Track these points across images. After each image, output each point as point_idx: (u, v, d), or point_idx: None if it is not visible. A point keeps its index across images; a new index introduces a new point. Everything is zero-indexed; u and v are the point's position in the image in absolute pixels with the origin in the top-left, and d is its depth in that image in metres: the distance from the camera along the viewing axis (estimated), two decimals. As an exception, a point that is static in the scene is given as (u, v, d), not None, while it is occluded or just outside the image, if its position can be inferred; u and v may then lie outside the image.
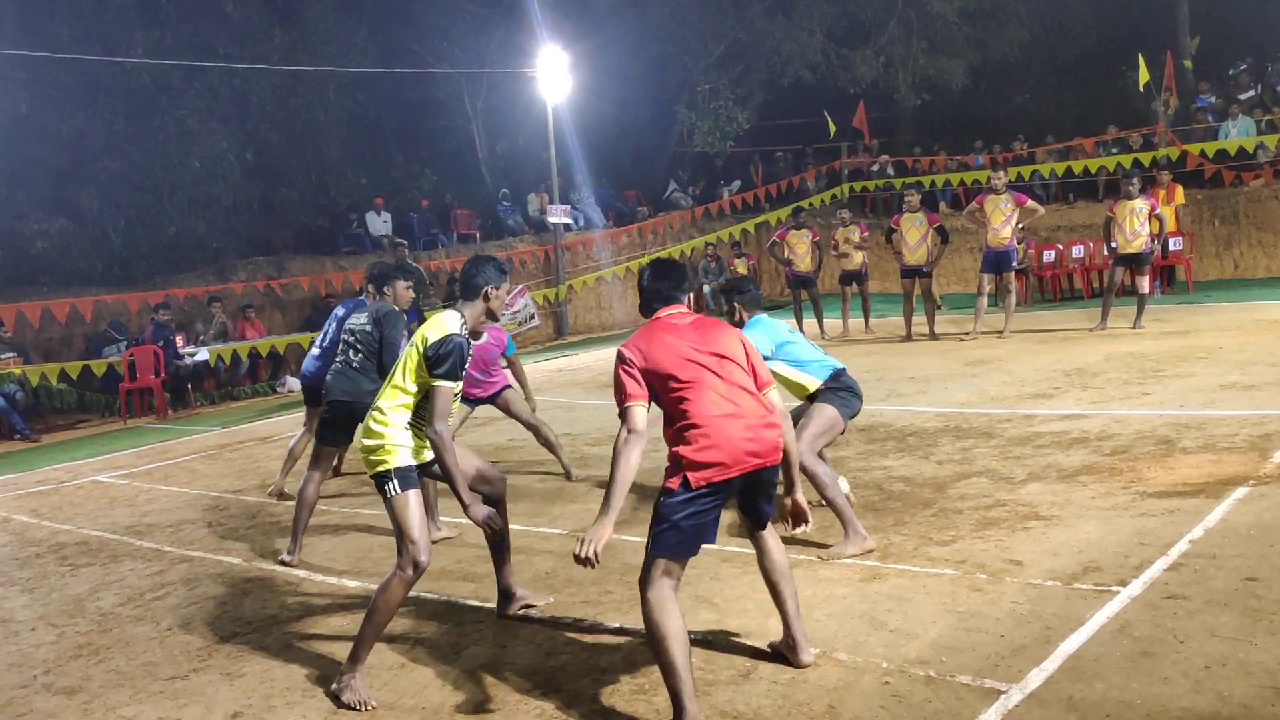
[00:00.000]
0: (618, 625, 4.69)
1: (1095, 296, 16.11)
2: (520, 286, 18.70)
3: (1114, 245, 12.76)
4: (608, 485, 3.79)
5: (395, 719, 3.98)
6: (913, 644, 4.17)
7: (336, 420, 6.42)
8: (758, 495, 4.10)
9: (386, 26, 21.07)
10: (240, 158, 17.98)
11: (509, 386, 7.89)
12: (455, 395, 4.49)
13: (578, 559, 3.61)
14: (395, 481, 4.37)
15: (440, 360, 4.30)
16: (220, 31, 18.11)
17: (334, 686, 4.24)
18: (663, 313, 4.11)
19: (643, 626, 3.74)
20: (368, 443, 4.45)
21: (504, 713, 3.94)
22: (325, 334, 7.48)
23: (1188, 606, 4.26)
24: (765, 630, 4.45)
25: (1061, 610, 4.36)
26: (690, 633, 4.46)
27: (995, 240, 13.01)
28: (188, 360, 14.55)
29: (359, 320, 6.56)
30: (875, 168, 23.00)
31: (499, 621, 4.89)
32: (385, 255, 17.68)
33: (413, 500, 4.37)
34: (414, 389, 4.41)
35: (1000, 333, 13.00)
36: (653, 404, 4.02)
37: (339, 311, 7.42)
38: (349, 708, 4.10)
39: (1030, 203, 13.20)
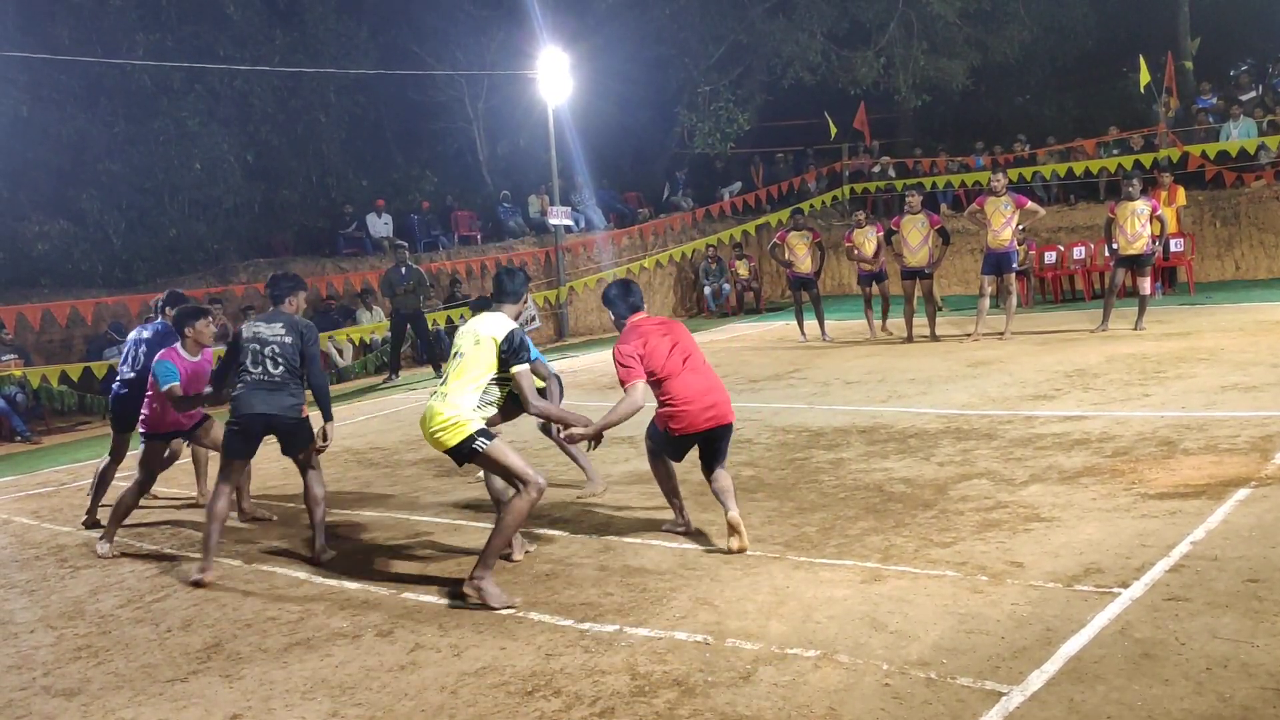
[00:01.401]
0: (617, 627, 4.68)
1: (1096, 298, 16.11)
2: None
3: (1115, 247, 12.75)
4: (611, 412, 5.56)
5: (395, 721, 3.97)
6: (913, 646, 4.16)
7: (253, 434, 6.25)
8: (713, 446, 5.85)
9: (387, 28, 21.08)
10: (241, 160, 17.99)
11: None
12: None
13: (574, 439, 5.53)
14: (481, 439, 5.22)
15: (515, 352, 5.29)
16: (221, 33, 18.12)
17: (471, 591, 5.14)
18: (636, 318, 5.89)
19: (641, 628, 4.55)
20: (441, 425, 5.22)
21: (504, 714, 3.93)
22: (133, 358, 7.48)
23: (1189, 608, 4.25)
24: (766, 632, 4.45)
25: (1062, 612, 4.35)
26: (690, 634, 4.48)
27: (996, 242, 13.00)
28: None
29: (272, 331, 6.22)
30: (876, 169, 22.99)
31: (499, 624, 4.89)
32: (386, 257, 17.69)
33: (501, 445, 5.27)
34: (481, 380, 5.29)
35: (1001, 334, 12.99)
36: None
37: (143, 334, 7.54)
38: (497, 608, 5.00)
39: (1031, 204, 13.20)
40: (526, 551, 5.99)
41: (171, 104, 17.11)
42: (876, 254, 14.68)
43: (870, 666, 4.01)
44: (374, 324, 16.84)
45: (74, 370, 13.75)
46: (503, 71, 20.29)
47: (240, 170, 17.93)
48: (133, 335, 7.79)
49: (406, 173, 21.23)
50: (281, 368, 6.17)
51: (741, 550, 5.55)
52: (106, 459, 7.86)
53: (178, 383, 6.69)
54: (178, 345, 6.93)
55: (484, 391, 5.31)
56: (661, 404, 5.70)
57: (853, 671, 3.99)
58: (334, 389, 15.02)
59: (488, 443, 5.23)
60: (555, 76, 18.86)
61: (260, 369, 6.17)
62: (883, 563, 5.19)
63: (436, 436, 5.26)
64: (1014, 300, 13.43)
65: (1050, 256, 17.92)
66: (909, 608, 4.57)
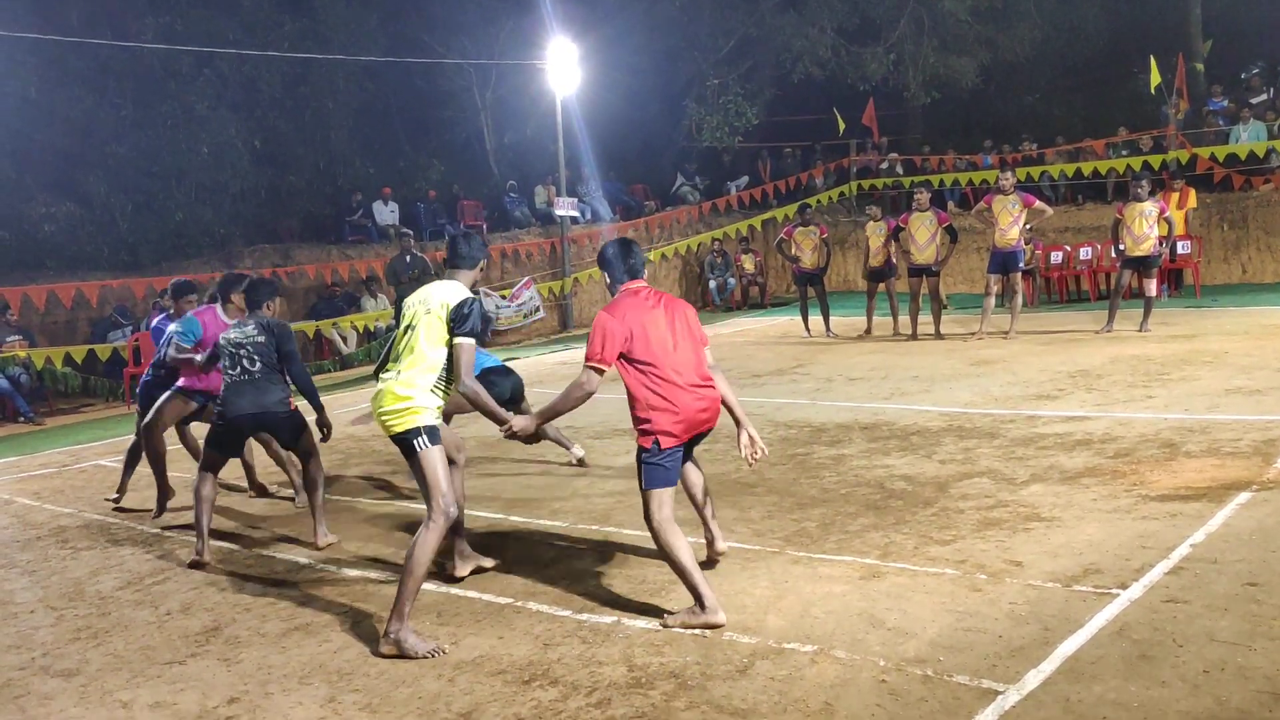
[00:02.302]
0: (615, 619, 4.69)
1: (1102, 298, 16.06)
2: (526, 279, 18.71)
3: (1122, 248, 12.71)
4: (559, 398, 4.80)
5: (391, 709, 3.98)
6: (911, 643, 4.17)
7: (241, 432, 6.39)
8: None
9: (397, 16, 21.06)
10: (248, 145, 17.99)
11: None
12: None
13: (510, 435, 4.86)
14: (425, 437, 4.71)
15: (463, 320, 4.76)
16: (231, 18, 18.11)
17: (388, 648, 4.48)
18: (633, 285, 4.91)
19: (639, 621, 4.53)
20: (393, 407, 4.74)
21: (500, 703, 3.94)
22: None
23: (1188, 610, 4.25)
24: (763, 626, 4.45)
25: (1061, 612, 4.35)
26: (687, 628, 4.48)
27: (1003, 241, 12.98)
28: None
29: (244, 334, 6.26)
30: (884, 165, 22.95)
31: (498, 613, 4.89)
32: (391, 245, 17.69)
33: (438, 455, 4.72)
34: (437, 354, 4.79)
35: (1006, 333, 12.97)
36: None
37: (173, 326, 7.31)
38: (423, 657, 4.41)
39: (1038, 203, 13.16)
40: (484, 569, 5.55)
41: (180, 88, 17.12)
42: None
43: (867, 662, 4.02)
44: (378, 312, 16.86)
45: (78, 352, 13.77)
46: (511, 61, 20.27)
47: (247, 155, 17.93)
48: (160, 326, 7.87)
49: (413, 161, 21.23)
50: (260, 363, 6.25)
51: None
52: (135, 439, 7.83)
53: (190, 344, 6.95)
54: (218, 307, 7.16)
55: (439, 373, 4.78)
56: (644, 406, 4.65)
57: (849, 667, 3.99)
58: (338, 376, 15.07)
59: (427, 446, 4.69)
60: (564, 67, 18.84)
61: (239, 369, 6.25)
62: (882, 559, 5.19)
63: (385, 420, 4.77)
64: (1019, 299, 13.41)
65: (1057, 256, 17.88)
66: (907, 605, 4.57)
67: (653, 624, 4.58)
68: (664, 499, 4.64)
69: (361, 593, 5.38)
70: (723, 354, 14.04)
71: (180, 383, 7.21)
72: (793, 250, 15.17)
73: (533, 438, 5.23)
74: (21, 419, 12.77)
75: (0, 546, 6.88)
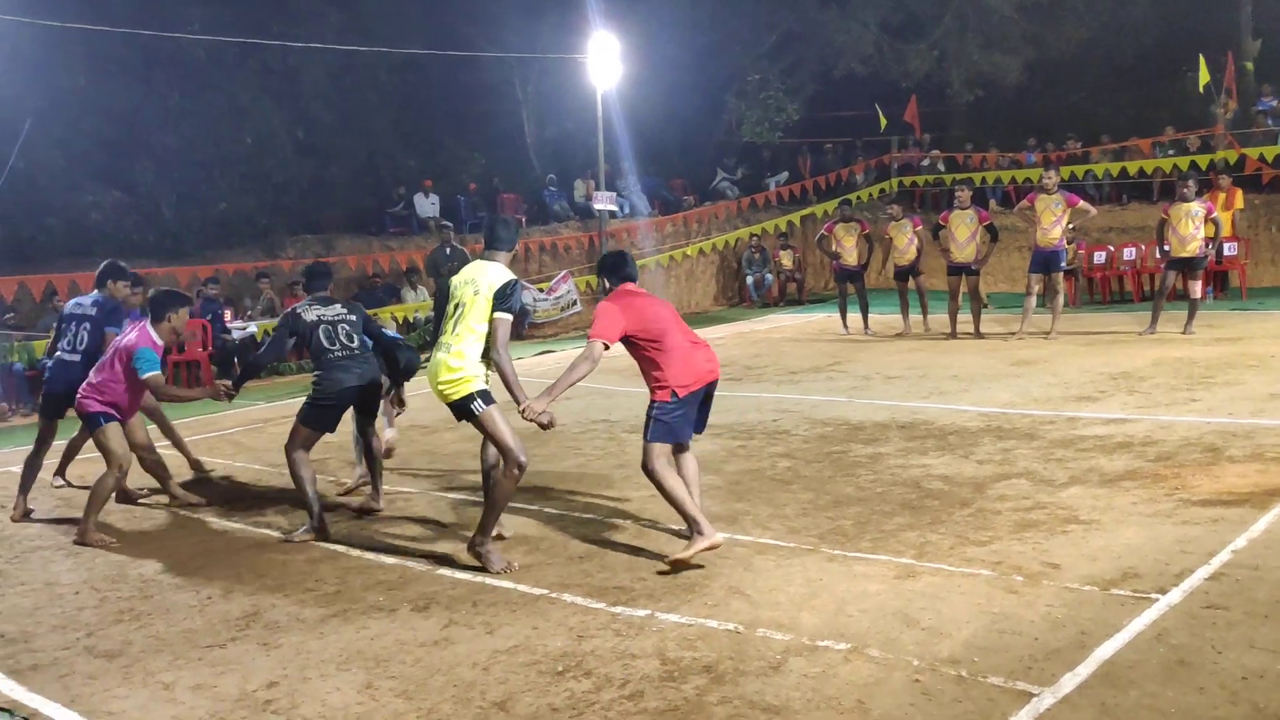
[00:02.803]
0: (648, 612, 4.71)
1: (1146, 300, 15.87)
2: (564, 272, 18.76)
3: (1167, 248, 12.55)
4: (567, 373, 5.34)
5: (427, 696, 4.02)
6: (945, 643, 4.15)
7: (344, 407, 6.57)
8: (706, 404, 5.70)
9: (440, 9, 21.15)
10: (292, 136, 18.15)
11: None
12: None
13: (527, 417, 5.24)
14: (479, 400, 5.35)
15: (506, 298, 5.37)
16: (275, 10, 18.27)
17: (469, 557, 5.40)
18: (629, 286, 5.68)
19: (673, 615, 4.64)
20: (448, 377, 5.33)
21: (535, 693, 3.97)
22: (74, 336, 7.31)
23: (1227, 617, 4.20)
24: (797, 624, 4.45)
25: (1098, 615, 4.31)
26: (721, 622, 4.49)
27: (1045, 240, 12.84)
28: (235, 335, 14.74)
29: (334, 312, 6.56)
30: (925, 163, 22.78)
31: (532, 604, 4.93)
32: (432, 237, 17.80)
33: (496, 412, 5.38)
34: (482, 329, 5.36)
35: (1047, 333, 12.85)
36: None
37: (87, 310, 7.37)
38: (499, 571, 5.30)
39: (1082, 203, 13.02)
40: (502, 538, 5.91)
41: (225, 79, 17.30)
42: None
43: (901, 662, 4.01)
44: (418, 303, 16.97)
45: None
46: (553, 55, 20.30)
47: (291, 146, 18.10)
48: (71, 310, 7.49)
49: (454, 154, 21.33)
50: (356, 341, 6.56)
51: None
52: (33, 448, 7.59)
53: (159, 372, 6.65)
54: (149, 328, 6.73)
55: (484, 346, 5.41)
56: (662, 368, 5.37)
57: (883, 666, 3.99)
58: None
59: (485, 406, 5.35)
60: (605, 61, 18.83)
61: (338, 345, 6.48)
62: (917, 559, 5.17)
63: (443, 390, 5.37)
64: (1061, 300, 13.28)
65: (1100, 256, 17.68)
66: (942, 605, 4.55)
67: (686, 619, 4.60)
68: (661, 451, 5.40)
69: (399, 580, 5.43)
70: (759, 350, 14.02)
71: (100, 412, 6.72)
72: (833, 246, 15.11)
73: (549, 423, 5.39)
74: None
75: (46, 528, 7.01)
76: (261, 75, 17.89)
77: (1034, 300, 13.33)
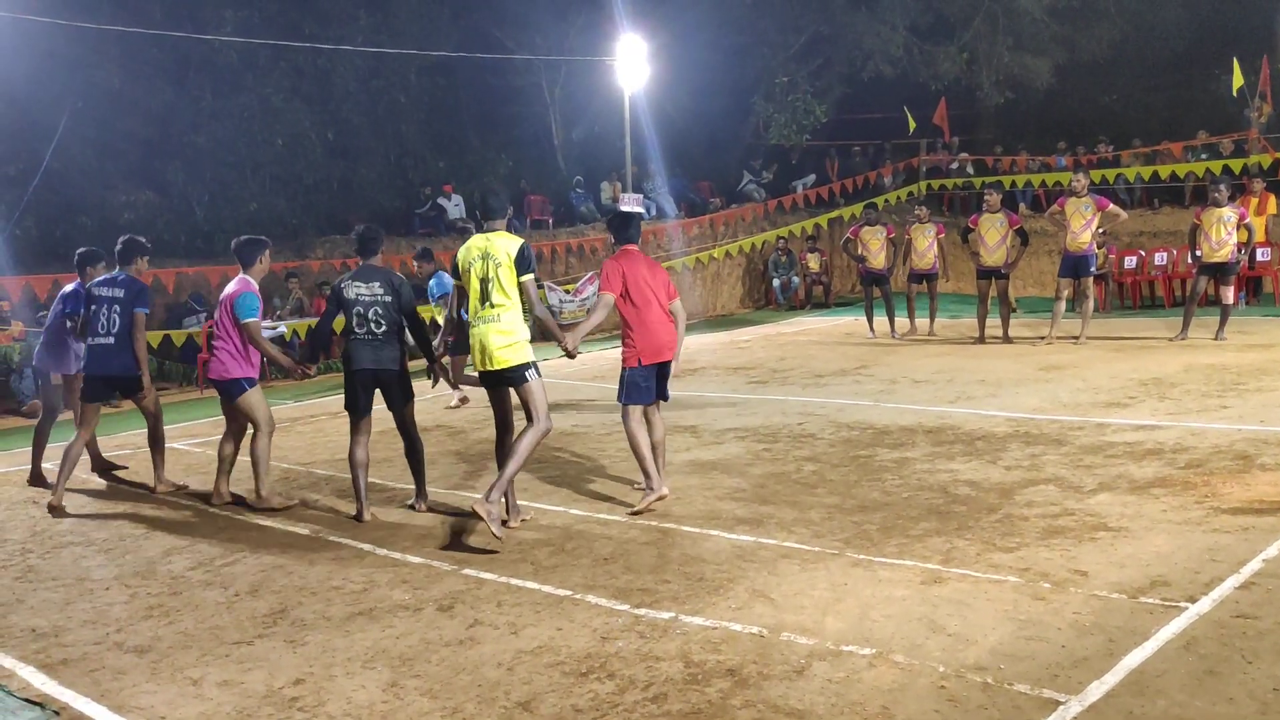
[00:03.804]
0: (672, 614, 4.71)
1: (1177, 305, 15.73)
2: (590, 274, 18.77)
3: (1199, 253, 12.42)
4: (588, 318, 6.55)
5: (451, 696, 4.04)
6: (971, 649, 4.13)
7: (365, 386, 6.69)
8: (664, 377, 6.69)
9: (469, 12, 21.25)
10: (322, 137, 18.27)
11: None
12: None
13: (568, 353, 6.30)
14: (535, 369, 6.04)
15: (527, 261, 5.99)
16: (307, 12, 18.41)
17: (480, 509, 5.61)
18: (630, 248, 6.62)
19: (697, 617, 4.65)
20: (505, 342, 5.91)
21: (558, 694, 3.98)
22: (107, 320, 7.50)
23: (1258, 626, 4.16)
24: (821, 628, 4.44)
25: (1126, 624, 4.28)
26: (745, 625, 4.49)
27: (1074, 244, 12.73)
28: (264, 334, 14.85)
29: (371, 291, 6.60)
30: (954, 166, 22.66)
31: (557, 605, 4.94)
32: (460, 238, 17.86)
33: (542, 382, 6.08)
34: (515, 294, 5.97)
35: (1076, 338, 12.75)
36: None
37: (115, 293, 7.57)
38: (496, 535, 5.65)
39: (1112, 207, 12.90)
40: (523, 520, 6.41)
41: (257, 80, 17.44)
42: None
43: (926, 668, 3.99)
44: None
45: (154, 337, 14.09)
46: (581, 57, 20.35)
47: (321, 148, 18.22)
48: (99, 293, 7.65)
49: (482, 155, 21.41)
50: (384, 326, 6.61)
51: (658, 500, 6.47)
52: (75, 435, 7.76)
53: (256, 319, 7.03)
54: (245, 275, 7.21)
55: (521, 308, 6.01)
56: (634, 335, 6.47)
57: (908, 672, 3.97)
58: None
59: (538, 375, 6.04)
60: (633, 63, 18.87)
61: (365, 329, 6.60)
62: (944, 565, 5.15)
63: (502, 355, 5.91)
64: (1090, 304, 13.17)
65: (1131, 261, 17.52)
66: (968, 611, 4.53)
67: (710, 621, 4.60)
68: (636, 412, 6.53)
69: (425, 579, 5.46)
70: (785, 353, 14.00)
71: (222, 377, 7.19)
72: (858, 250, 15.08)
73: (574, 352, 6.37)
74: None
75: (77, 524, 7.10)
76: (293, 77, 18.03)
77: (1063, 305, 13.24)
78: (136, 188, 16.54)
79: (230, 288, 7.19)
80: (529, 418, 6.02)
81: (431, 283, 10.78)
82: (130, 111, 16.35)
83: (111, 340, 7.53)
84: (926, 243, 14.50)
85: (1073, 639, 4.17)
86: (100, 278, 7.94)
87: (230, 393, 7.19)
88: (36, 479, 8.42)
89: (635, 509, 6.46)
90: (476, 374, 6.23)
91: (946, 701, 3.72)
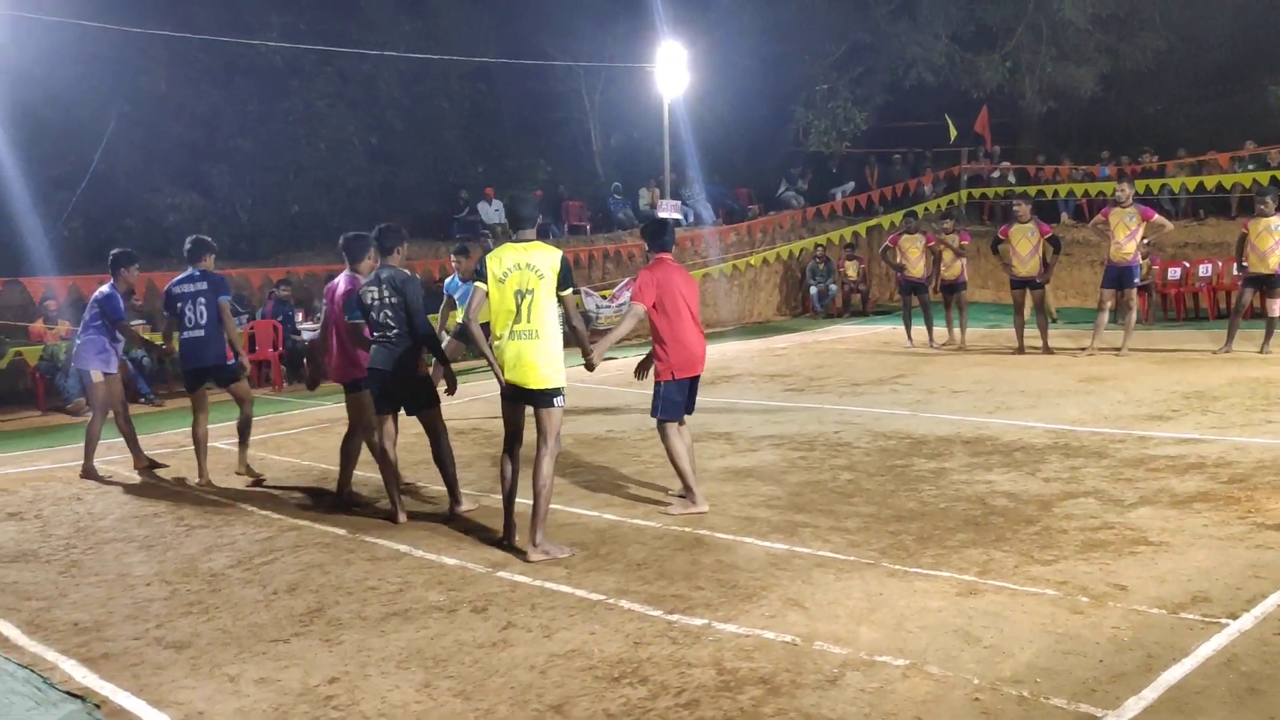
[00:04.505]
0: (705, 621, 4.71)
1: (1221, 317, 15.47)
2: (627, 280, 18.80)
3: (1245, 265, 12.24)
4: (616, 329, 6.46)
5: (484, 697, 4.06)
6: (1007, 662, 4.09)
7: (385, 390, 6.74)
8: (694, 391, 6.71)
9: (511, 19, 21.40)
10: (365, 142, 18.47)
11: None
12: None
13: (589, 365, 6.27)
14: (563, 396, 5.88)
15: (568, 275, 5.86)
16: (351, 18, 18.63)
17: (537, 556, 5.69)
18: (663, 256, 6.60)
19: (730, 625, 4.64)
20: (548, 366, 5.75)
21: (590, 698, 3.99)
22: (194, 312, 8.05)
23: (1302, 645, 4.09)
24: (855, 638, 4.42)
25: (1165, 639, 4.22)
26: (778, 634, 4.48)
27: (1118, 255, 12.58)
28: (304, 335, 15.02)
29: (379, 294, 6.58)
30: (996, 174, 22.49)
31: (590, 609, 4.95)
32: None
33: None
34: (555, 310, 5.81)
35: (1119, 350, 12.60)
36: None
37: (198, 286, 8.11)
38: (566, 555, 5.74)
39: (1157, 217, 12.73)
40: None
41: (302, 85, 17.66)
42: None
43: (960, 680, 3.96)
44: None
45: (197, 338, 14.29)
46: (621, 64, 20.42)
47: (363, 152, 18.42)
48: (180, 291, 8.14)
49: (521, 161, 21.53)
50: (395, 329, 6.61)
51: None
52: (193, 420, 8.42)
53: (362, 321, 6.97)
54: (352, 274, 7.20)
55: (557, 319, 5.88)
56: (667, 348, 6.46)
57: (942, 683, 3.94)
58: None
59: (563, 404, 5.89)
60: (673, 70, 18.90)
61: (380, 332, 6.66)
62: (980, 576, 5.10)
63: (544, 375, 5.75)
64: (1134, 316, 13.00)
65: (1175, 272, 17.29)
66: (1004, 623, 4.49)
67: (743, 629, 4.59)
68: (672, 428, 6.52)
69: (459, 581, 5.49)
70: (822, 361, 13.94)
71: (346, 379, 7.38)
72: (897, 258, 15.00)
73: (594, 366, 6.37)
74: (143, 400, 13.31)
75: (120, 522, 7.21)
76: (337, 82, 18.24)
77: (1106, 316, 13.07)
78: (182, 190, 16.79)
79: (341, 286, 7.24)
80: (541, 439, 5.84)
81: (447, 281, 10.55)
82: (176, 115, 16.61)
83: (202, 332, 8.06)
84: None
85: (1111, 654, 4.12)
86: (178, 277, 8.36)
87: (352, 390, 7.28)
88: (88, 473, 8.64)
89: (670, 511, 6.57)
90: (501, 384, 5.94)
91: (981, 714, 3.69)
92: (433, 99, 19.73)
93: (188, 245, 8.38)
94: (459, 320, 9.60)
